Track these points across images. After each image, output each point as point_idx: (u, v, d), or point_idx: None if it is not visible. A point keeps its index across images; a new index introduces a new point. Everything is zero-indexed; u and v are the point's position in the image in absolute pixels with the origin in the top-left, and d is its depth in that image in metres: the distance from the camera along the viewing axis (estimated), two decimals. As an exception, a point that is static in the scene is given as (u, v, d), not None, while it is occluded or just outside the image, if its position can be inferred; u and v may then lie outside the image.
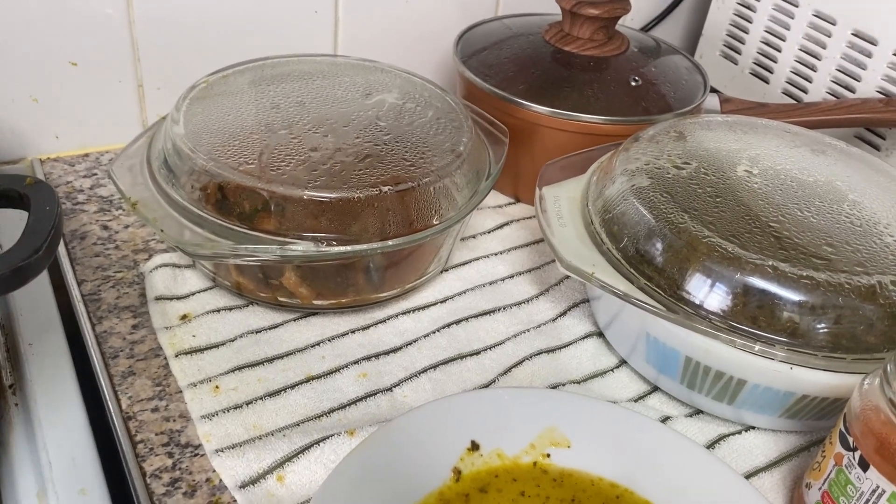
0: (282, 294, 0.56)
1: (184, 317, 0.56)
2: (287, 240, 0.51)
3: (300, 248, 0.51)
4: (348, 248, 0.52)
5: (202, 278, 0.60)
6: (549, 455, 0.48)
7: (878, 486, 0.40)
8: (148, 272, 0.59)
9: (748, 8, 0.89)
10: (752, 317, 0.47)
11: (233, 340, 0.55)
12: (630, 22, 0.96)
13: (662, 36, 0.85)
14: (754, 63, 0.89)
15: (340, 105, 0.61)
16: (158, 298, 0.57)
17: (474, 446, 0.47)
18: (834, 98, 0.78)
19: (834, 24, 0.78)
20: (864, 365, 0.46)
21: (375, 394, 0.53)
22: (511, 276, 0.65)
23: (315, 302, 0.56)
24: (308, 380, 0.53)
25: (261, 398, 0.51)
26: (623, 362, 0.57)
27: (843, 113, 0.72)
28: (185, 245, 0.51)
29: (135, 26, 0.70)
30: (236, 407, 0.50)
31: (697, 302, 0.48)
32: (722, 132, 0.61)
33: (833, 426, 0.44)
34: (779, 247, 0.48)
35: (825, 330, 0.47)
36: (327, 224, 0.52)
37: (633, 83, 0.70)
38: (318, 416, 0.51)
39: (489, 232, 0.69)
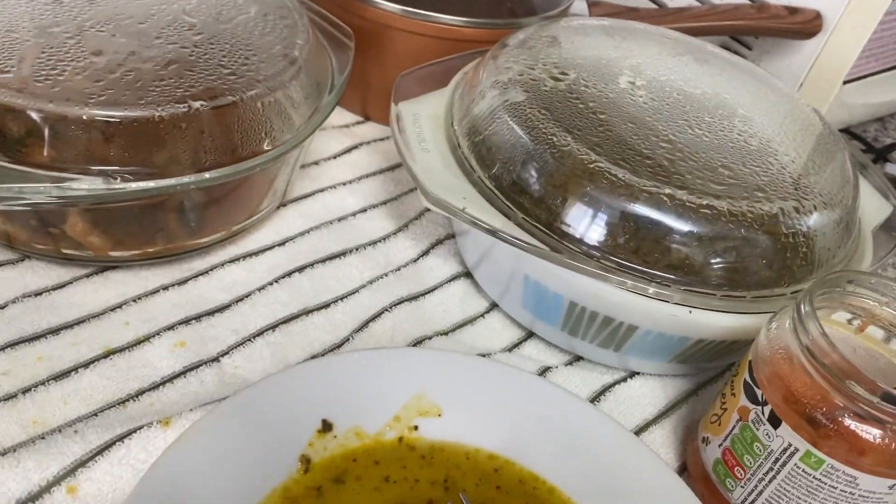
0: (67, 245, 0.43)
1: (-69, 279, 0.43)
2: (66, 175, 0.39)
3: (84, 185, 0.39)
4: (150, 183, 0.40)
5: (-43, 226, 0.45)
6: (416, 427, 0.40)
7: (790, 445, 0.35)
8: None
9: None
10: (644, 255, 0.41)
11: (3, 307, 0.42)
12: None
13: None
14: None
15: (136, -4, 0.47)
16: None
17: (326, 426, 0.38)
18: (699, 4, 0.73)
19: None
20: (765, 303, 0.41)
21: (198, 367, 0.42)
22: (363, 210, 0.55)
23: (113, 253, 0.44)
24: (107, 354, 0.41)
25: (43, 383, 0.39)
26: (494, 306, 0.50)
27: (715, 19, 0.67)
28: (-85, 185, 0.37)
29: None
30: (8, 398, 0.38)
31: (584, 239, 0.41)
32: (599, 38, 0.53)
33: (729, 371, 0.40)
34: (673, 171, 0.42)
35: (724, 265, 0.41)
36: (120, 153, 0.40)
37: (497, -20, 0.60)
38: (123, 402, 0.40)
39: (335, 157, 0.59)
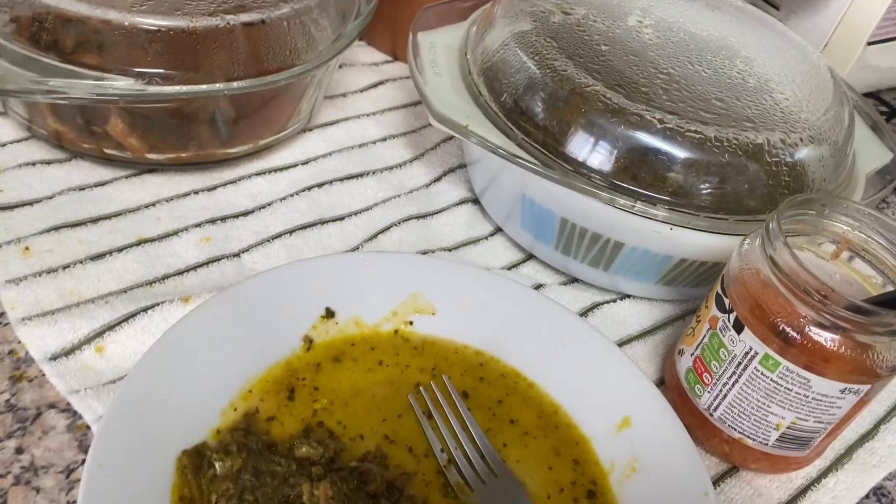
0: (108, 145, 0.48)
1: (-10, 170, 0.48)
2: (107, 75, 0.43)
3: (121, 84, 0.43)
4: (182, 88, 0.44)
5: (15, 127, 0.51)
6: (411, 323, 0.44)
7: (750, 349, 0.38)
8: (-54, 118, 0.50)
9: None
10: (633, 175, 0.43)
11: (50, 198, 0.47)
12: None
13: None
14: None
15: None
16: (-42, 148, 0.48)
17: (329, 313, 0.42)
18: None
19: None
20: (746, 227, 0.43)
21: (220, 259, 0.46)
22: (383, 139, 0.58)
23: (149, 156, 0.49)
24: (139, 243, 0.46)
25: (81, 262, 0.44)
26: (498, 230, 0.53)
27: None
28: (-23, 77, 0.42)
29: None
30: (50, 271, 0.43)
31: (578, 159, 0.44)
32: (615, -19, 0.55)
33: (709, 291, 0.42)
34: (666, 99, 0.44)
35: (709, 190, 0.43)
36: (157, 59, 0.44)
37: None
38: (150, 283, 0.44)
39: (361, 91, 0.63)
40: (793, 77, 0.49)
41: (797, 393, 0.37)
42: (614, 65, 0.46)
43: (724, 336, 0.39)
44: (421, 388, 0.41)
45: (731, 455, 0.41)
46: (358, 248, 0.49)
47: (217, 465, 0.34)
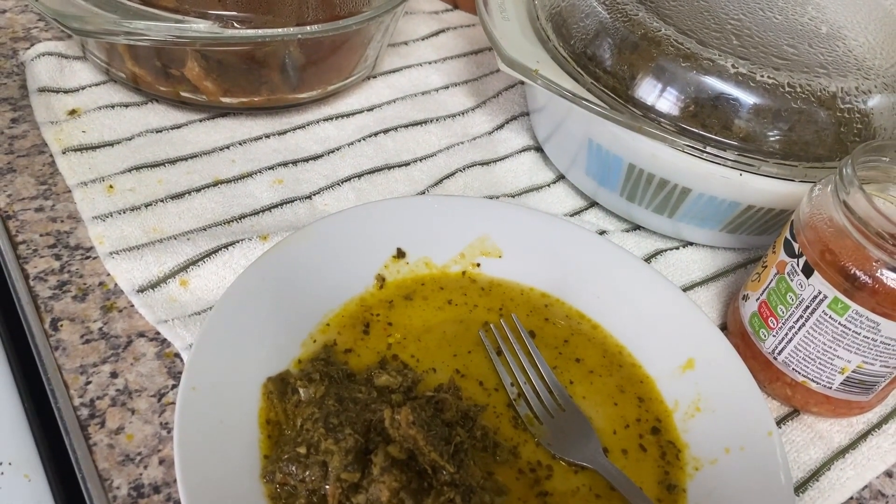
0: (184, 88, 0.49)
1: (72, 112, 0.49)
2: (187, 18, 0.44)
3: (200, 27, 0.44)
4: (258, 31, 0.45)
5: (94, 71, 0.52)
6: (479, 265, 0.45)
7: (819, 292, 0.38)
8: (29, 61, 0.52)
9: None
10: (703, 122, 0.43)
11: (129, 139, 0.49)
12: None
13: None
14: None
15: None
16: (42, 90, 0.50)
17: (400, 254, 0.44)
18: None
19: None
20: (815, 173, 0.43)
21: (292, 201, 0.48)
22: (446, 87, 0.59)
23: (223, 99, 0.50)
24: (216, 183, 0.48)
25: (162, 200, 0.46)
26: (561, 177, 0.54)
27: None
28: (65, 18, 0.43)
29: None
30: (133, 209, 0.45)
31: (648, 104, 0.44)
32: (684, -73, 0.54)
33: (774, 239, 0.42)
34: (738, 44, 0.44)
35: (779, 137, 0.43)
36: (233, 2, 0.45)
37: None
38: (228, 221, 0.46)
39: (423, 39, 0.63)
40: (866, 24, 0.48)
41: (865, 336, 0.38)
42: (685, 10, 0.46)
43: (792, 280, 0.40)
44: (491, 325, 0.42)
45: (792, 398, 0.42)
46: (424, 193, 0.50)
47: (301, 391, 0.36)
